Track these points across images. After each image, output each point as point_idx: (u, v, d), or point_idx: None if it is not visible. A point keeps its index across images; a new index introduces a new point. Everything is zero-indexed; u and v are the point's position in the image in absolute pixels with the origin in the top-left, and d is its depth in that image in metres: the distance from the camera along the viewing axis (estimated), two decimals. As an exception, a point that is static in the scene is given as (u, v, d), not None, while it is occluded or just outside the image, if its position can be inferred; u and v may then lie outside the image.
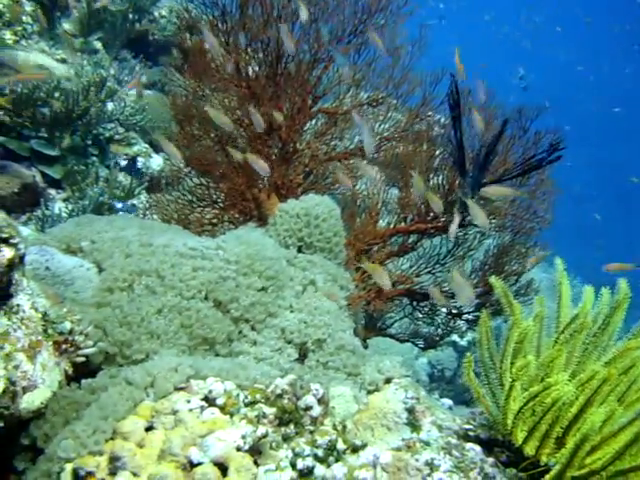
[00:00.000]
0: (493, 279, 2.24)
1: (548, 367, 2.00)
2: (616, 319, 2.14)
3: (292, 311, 2.33)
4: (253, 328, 2.24)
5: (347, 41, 2.90)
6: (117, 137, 4.92)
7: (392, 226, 2.94)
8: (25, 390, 1.61)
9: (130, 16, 6.19)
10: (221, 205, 2.93)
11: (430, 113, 2.93)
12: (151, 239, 2.34)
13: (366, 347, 2.98)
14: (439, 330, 3.23)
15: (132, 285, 2.16)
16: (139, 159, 5.10)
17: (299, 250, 2.59)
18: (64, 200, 4.23)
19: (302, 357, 2.25)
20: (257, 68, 2.87)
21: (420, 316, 3.16)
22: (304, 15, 2.57)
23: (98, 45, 5.99)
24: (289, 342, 2.25)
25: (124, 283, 2.15)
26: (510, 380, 1.98)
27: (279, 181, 2.84)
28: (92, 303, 2.08)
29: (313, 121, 2.98)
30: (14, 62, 4.50)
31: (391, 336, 3.19)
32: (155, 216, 3.08)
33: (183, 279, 2.17)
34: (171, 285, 2.16)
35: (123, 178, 4.73)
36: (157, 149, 5.17)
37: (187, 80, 2.92)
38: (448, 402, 6.34)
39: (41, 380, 1.65)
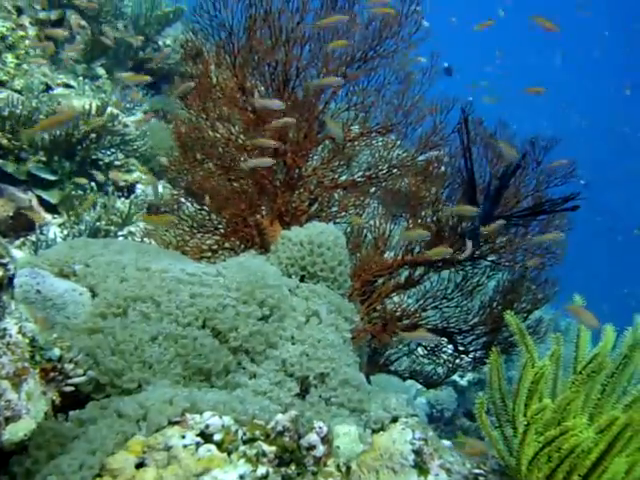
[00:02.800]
0: (508, 315, 2.14)
1: (565, 410, 1.89)
2: (636, 359, 2.03)
3: (294, 343, 2.21)
4: (252, 359, 2.12)
5: (357, 66, 2.83)
6: (117, 163, 4.84)
7: (399, 257, 2.84)
8: (8, 421, 1.48)
9: (134, 44, 6.16)
10: (222, 231, 2.83)
11: (440, 142, 2.85)
12: (148, 263, 2.23)
13: (369, 383, 2.86)
14: (444, 368, 3.11)
15: (126, 311, 2.05)
16: (138, 186, 5.02)
17: (302, 279, 2.48)
18: (60, 225, 4.13)
19: (304, 391, 2.13)
20: (264, 92, 2.79)
21: (425, 353, 3.04)
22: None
23: (101, 71, 5.96)
24: (290, 375, 2.13)
25: (118, 309, 2.04)
26: (525, 423, 1.87)
27: (283, 208, 2.74)
28: (84, 329, 1.96)
29: (320, 148, 2.90)
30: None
31: (394, 373, 3.06)
32: (153, 242, 2.98)
33: (180, 306, 2.06)
34: (167, 312, 2.04)
35: (121, 204, 4.63)
36: (158, 176, 5.09)
37: (191, 105, 2.84)
38: (447, 443, 6.20)
39: (26, 410, 1.53)
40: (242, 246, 2.77)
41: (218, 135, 2.77)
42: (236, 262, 2.34)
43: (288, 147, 2.77)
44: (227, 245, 2.81)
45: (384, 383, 3.95)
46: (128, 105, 5.75)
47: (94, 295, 2.10)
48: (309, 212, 2.83)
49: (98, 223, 3.94)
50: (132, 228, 4.44)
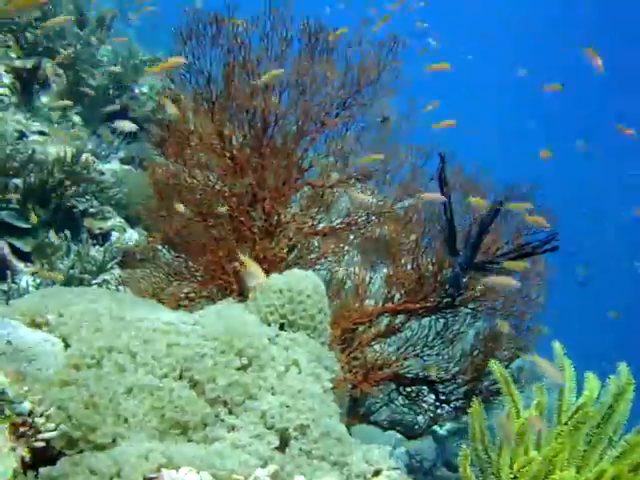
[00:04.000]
0: (493, 363, 2.11)
1: (551, 462, 1.84)
2: (620, 408, 2.00)
3: (273, 393, 2.15)
4: (231, 411, 2.06)
5: (335, 114, 2.83)
6: (92, 210, 4.78)
7: (380, 305, 2.80)
8: (-27, 479, 1.41)
9: (110, 92, 6.16)
10: (199, 279, 2.78)
11: (419, 189, 2.84)
12: (123, 312, 2.18)
13: (350, 434, 2.79)
14: (424, 417, 3.04)
15: (101, 362, 1.98)
16: (113, 233, 4.96)
17: (281, 327, 2.43)
18: (32, 274, 4.04)
19: (284, 444, 2.06)
20: (241, 139, 2.77)
21: (406, 402, 2.98)
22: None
23: (76, 119, 5.93)
24: (270, 427, 2.06)
25: (92, 360, 1.97)
26: (512, 477, 1.82)
27: (261, 255, 2.70)
28: (56, 381, 1.89)
29: (298, 194, 2.88)
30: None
31: (374, 423, 3.00)
32: (128, 290, 2.91)
33: (156, 356, 2.00)
34: (143, 362, 1.98)
35: (96, 253, 4.56)
36: (132, 223, 5.03)
37: (167, 151, 2.81)
38: (428, 496, 6.08)
39: (-8, 468, 1.46)
40: (220, 294, 2.72)
41: (195, 182, 2.75)
42: (214, 310, 2.29)
43: (267, 193, 2.74)
44: (204, 293, 2.76)
45: (364, 434, 3.88)
46: (104, 152, 5.72)
47: (67, 346, 2.03)
48: (288, 259, 2.79)
49: (72, 271, 3.86)
50: (107, 276, 4.36)
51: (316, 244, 2.90)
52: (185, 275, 2.80)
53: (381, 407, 3.01)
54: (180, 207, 2.69)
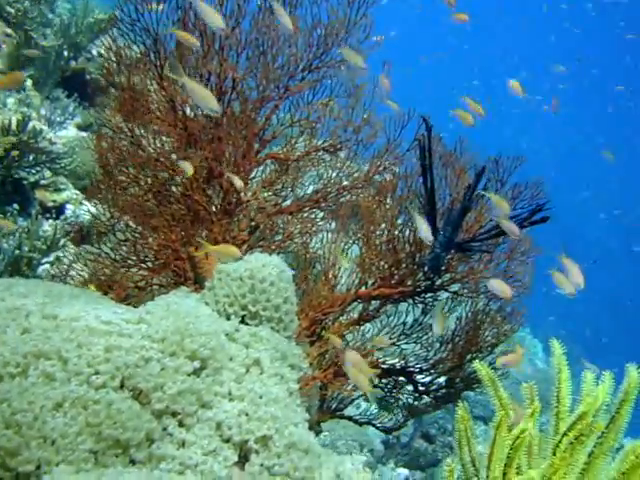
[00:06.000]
0: (478, 364, 1.86)
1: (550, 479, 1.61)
2: (623, 414, 1.77)
3: (231, 399, 1.89)
4: (181, 423, 1.79)
5: (300, 78, 2.53)
6: (43, 182, 4.44)
7: (352, 291, 2.53)
8: None
9: (65, 53, 5.75)
10: (149, 265, 2.49)
11: (395, 161, 2.57)
12: (57, 309, 1.88)
13: (320, 432, 2.55)
14: (403, 411, 2.81)
15: (26, 370, 1.69)
16: (68, 206, 4.63)
17: (242, 320, 2.16)
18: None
19: (243, 459, 1.80)
20: (195, 107, 2.46)
21: (381, 395, 2.73)
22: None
23: (28, 83, 5.54)
24: (227, 441, 1.80)
25: (16, 368, 1.69)
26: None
27: (219, 237, 2.41)
28: (-29, 397, 1.61)
29: (260, 168, 2.58)
30: None
31: (349, 418, 2.75)
32: (83, 272, 2.61)
33: (92, 363, 1.72)
34: (76, 371, 1.70)
35: (49, 227, 4.24)
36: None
37: (111, 120, 2.50)
38: (404, 472, 5.94)
39: None
40: (173, 282, 2.44)
41: (144, 155, 2.44)
42: (164, 304, 2.00)
43: (224, 168, 2.44)
44: (156, 281, 2.47)
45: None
46: (59, 119, 5.36)
47: (-13, 352, 1.74)
48: (249, 242, 2.51)
49: (18, 251, 3.53)
50: (60, 253, 4.05)
51: (281, 224, 2.61)
52: (133, 261, 2.50)
53: (355, 400, 2.77)
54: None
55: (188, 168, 2.29)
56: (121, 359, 1.75)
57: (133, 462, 1.68)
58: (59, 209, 4.60)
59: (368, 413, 2.82)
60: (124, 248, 2.50)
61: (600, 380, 1.81)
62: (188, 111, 2.47)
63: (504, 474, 1.64)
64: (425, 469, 6.21)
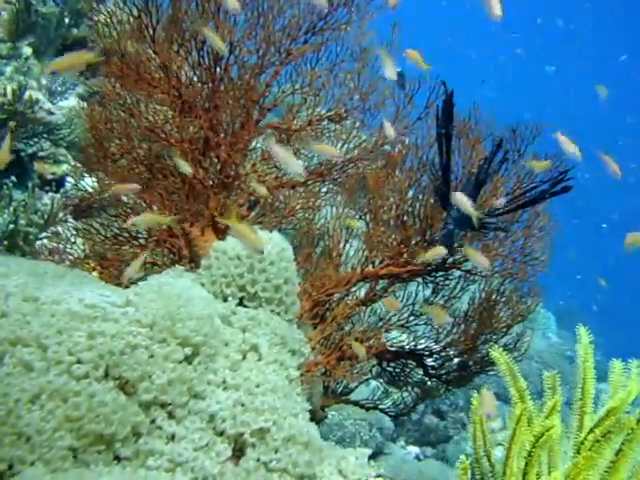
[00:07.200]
0: (496, 351, 1.71)
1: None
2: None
3: (226, 389, 1.76)
4: (171, 416, 1.66)
5: (303, 40, 2.35)
6: (41, 154, 4.29)
7: (358, 270, 2.38)
8: None
9: (66, 20, 5.57)
10: (142, 242, 2.34)
11: (405, 131, 2.40)
12: (38, 291, 1.75)
13: (324, 418, 2.42)
14: (412, 395, 2.68)
15: (1, 359, 1.56)
16: (68, 179, 4.48)
17: (240, 302, 2.02)
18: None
19: (237, 454, 1.67)
20: (191, 72, 2.30)
21: (390, 379, 2.60)
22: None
23: (28, 51, 5.37)
24: (220, 434, 1.67)
25: (-10, 357, 1.55)
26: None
27: (216, 213, 2.26)
28: (-61, 389, 1.48)
29: (260, 138, 2.42)
30: None
31: (355, 403, 2.62)
32: (83, 246, 2.48)
33: (73, 350, 1.59)
34: (56, 359, 1.57)
35: (48, 200, 4.10)
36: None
37: (104, 86, 2.34)
38: (415, 450, 5.84)
39: None
40: (167, 260, 2.30)
41: (136, 124, 2.28)
42: (155, 284, 1.86)
43: (222, 138, 2.28)
44: (149, 260, 2.33)
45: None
46: (60, 88, 5.20)
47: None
48: (248, 218, 2.35)
49: (12, 225, 3.40)
50: (59, 228, 3.92)
51: (282, 199, 2.46)
52: (125, 238, 2.36)
53: (361, 384, 2.63)
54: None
55: (187, 168, 2.15)
56: (105, 346, 1.62)
57: (118, 459, 1.55)
58: (59, 182, 4.46)
59: (375, 397, 2.69)
60: (116, 224, 2.37)
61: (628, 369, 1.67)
62: (183, 77, 2.31)
63: (524, 474, 1.50)
64: (436, 445, 6.11)
